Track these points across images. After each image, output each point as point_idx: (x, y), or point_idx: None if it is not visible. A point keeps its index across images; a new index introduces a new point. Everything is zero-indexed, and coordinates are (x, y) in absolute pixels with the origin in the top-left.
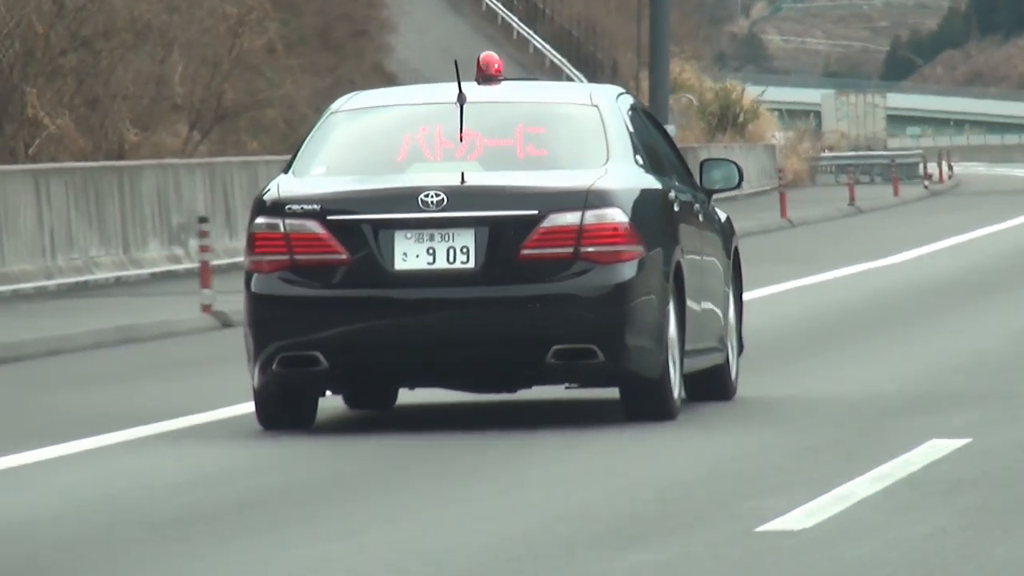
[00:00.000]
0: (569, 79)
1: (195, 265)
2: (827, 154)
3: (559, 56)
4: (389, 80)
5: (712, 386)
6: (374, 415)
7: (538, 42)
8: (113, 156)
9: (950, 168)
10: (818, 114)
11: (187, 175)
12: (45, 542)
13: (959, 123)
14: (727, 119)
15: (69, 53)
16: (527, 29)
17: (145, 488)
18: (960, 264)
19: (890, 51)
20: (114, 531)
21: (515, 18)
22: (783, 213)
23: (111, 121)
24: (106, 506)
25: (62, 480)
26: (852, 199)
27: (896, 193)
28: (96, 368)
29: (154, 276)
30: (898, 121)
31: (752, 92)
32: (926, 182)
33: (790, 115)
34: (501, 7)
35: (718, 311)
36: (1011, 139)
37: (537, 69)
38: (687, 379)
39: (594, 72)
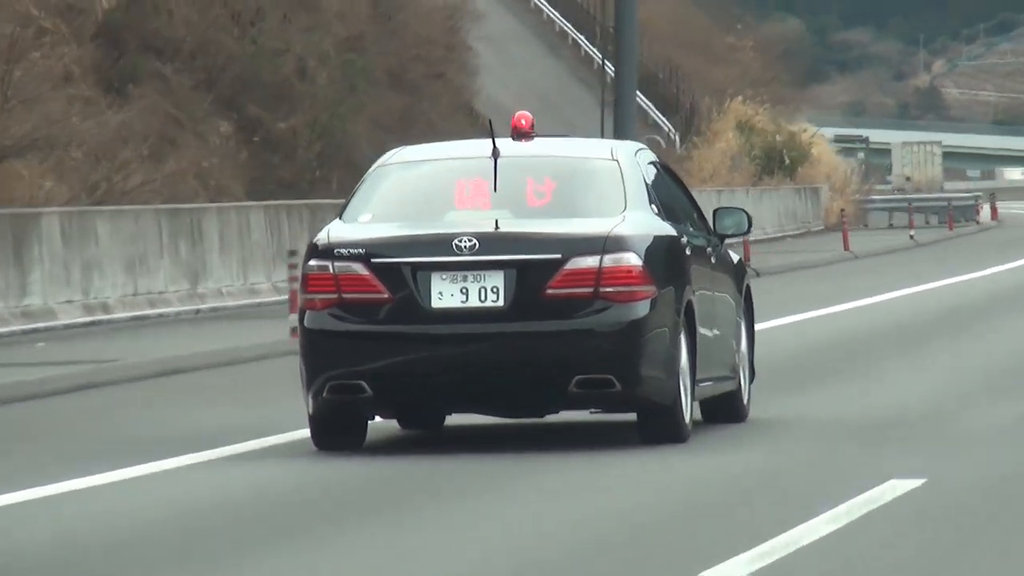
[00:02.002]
0: (655, 124)
1: None
2: (876, 197)
3: (646, 100)
4: (472, 118)
5: (726, 410)
6: (423, 435)
7: None
8: None
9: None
10: (986, 157)
11: None
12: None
13: None
14: (774, 162)
15: None
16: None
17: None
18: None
19: None
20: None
21: (609, 64)
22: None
23: None
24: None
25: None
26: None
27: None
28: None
29: None
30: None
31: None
32: (977, 218)
33: (956, 157)
34: (596, 52)
35: (730, 342)
36: None
37: None
38: (704, 404)
39: (674, 113)
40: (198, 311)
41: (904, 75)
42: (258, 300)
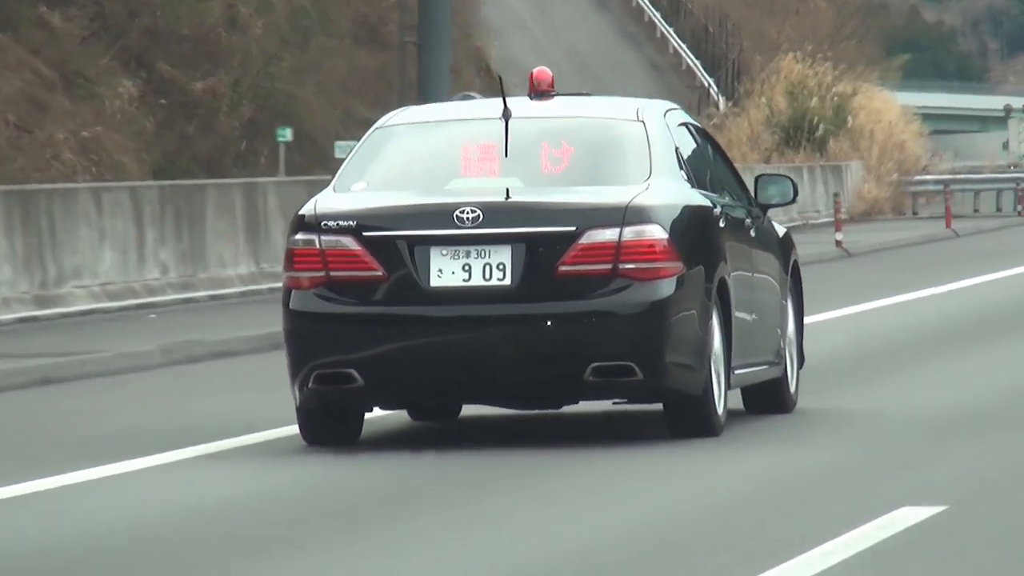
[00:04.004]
0: (701, 84)
1: None
2: (924, 177)
3: (693, 58)
4: (487, 81)
5: (769, 400)
6: (429, 428)
7: (676, 41)
8: None
9: None
10: None
11: None
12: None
13: None
14: (800, 132)
15: None
16: (668, 28)
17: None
18: None
19: None
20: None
21: (658, 15)
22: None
23: None
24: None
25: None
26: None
27: None
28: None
29: None
30: None
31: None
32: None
33: None
34: (647, 3)
35: (773, 325)
36: None
37: (672, 72)
38: (745, 393)
39: (719, 71)
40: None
41: None
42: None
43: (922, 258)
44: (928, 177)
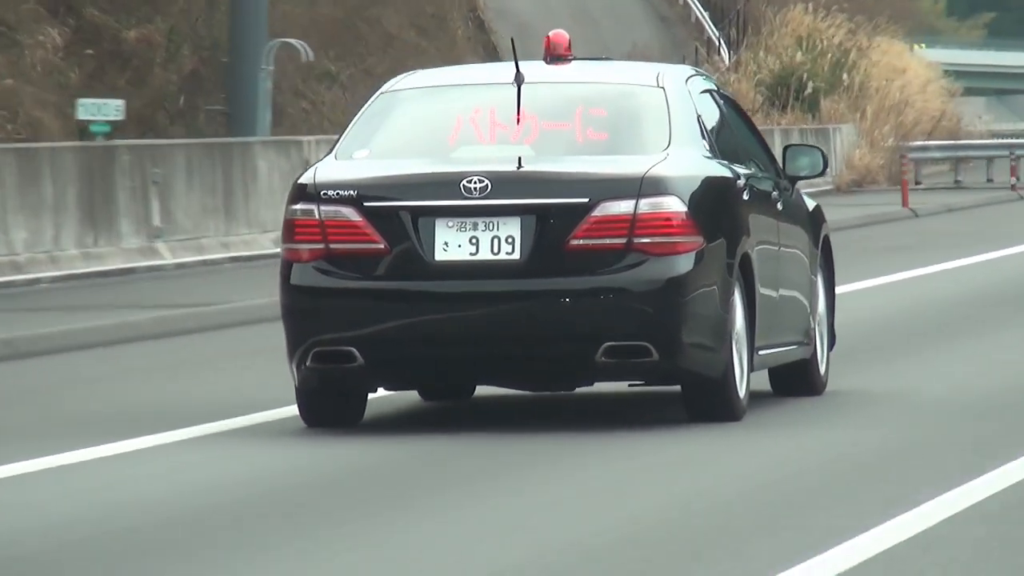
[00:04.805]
0: (710, 37)
1: None
2: (922, 143)
3: (701, 10)
4: (479, 37)
5: (798, 381)
6: (437, 408)
7: None
8: None
9: None
10: None
11: None
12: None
13: None
14: (787, 92)
15: None
16: None
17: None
18: None
19: None
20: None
21: None
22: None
23: None
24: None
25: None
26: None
27: None
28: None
29: None
30: None
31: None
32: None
33: None
34: None
35: (801, 303)
36: None
37: (680, 24)
38: (772, 374)
39: (723, 23)
40: None
41: None
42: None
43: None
44: (931, 143)
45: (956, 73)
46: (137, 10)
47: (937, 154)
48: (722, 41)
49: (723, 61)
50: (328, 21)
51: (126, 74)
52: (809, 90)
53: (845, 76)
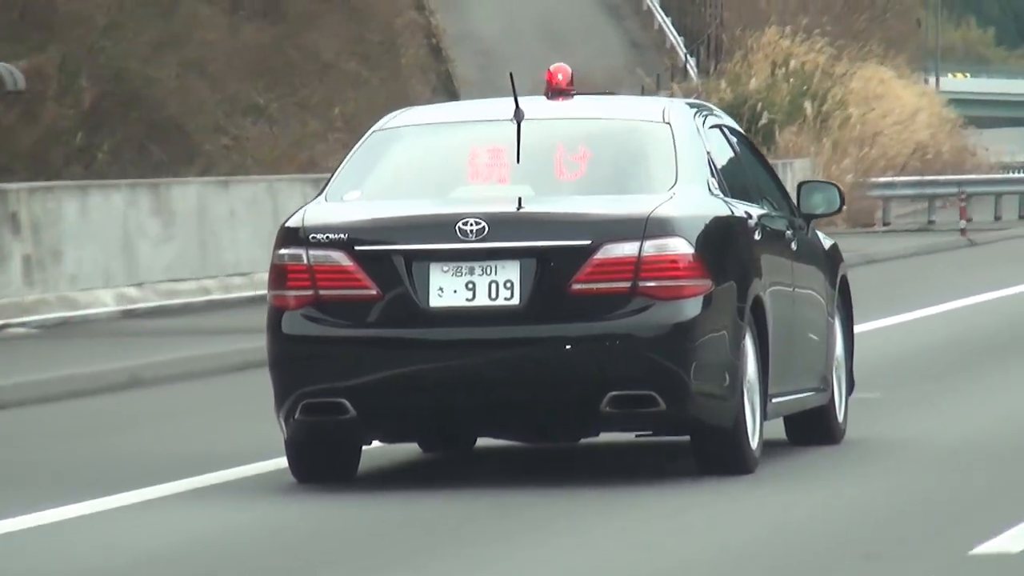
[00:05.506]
0: (684, 68)
1: None
2: (886, 179)
3: (676, 35)
4: (435, 65)
5: (814, 430)
6: (438, 459)
7: (661, 16)
8: None
9: None
10: None
11: None
12: None
13: None
14: (740, 123)
15: None
16: (654, 1)
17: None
18: None
19: None
20: None
21: None
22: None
23: None
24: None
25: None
26: None
27: None
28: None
29: None
30: None
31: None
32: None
33: None
34: None
35: (818, 348)
36: None
37: (655, 50)
38: (788, 422)
39: (693, 46)
40: None
41: None
42: None
43: None
44: (898, 179)
45: (1002, 103)
46: (28, 37)
47: (907, 191)
48: (691, 66)
49: (693, 87)
50: (254, 48)
51: (15, 109)
52: (764, 120)
53: (808, 105)
